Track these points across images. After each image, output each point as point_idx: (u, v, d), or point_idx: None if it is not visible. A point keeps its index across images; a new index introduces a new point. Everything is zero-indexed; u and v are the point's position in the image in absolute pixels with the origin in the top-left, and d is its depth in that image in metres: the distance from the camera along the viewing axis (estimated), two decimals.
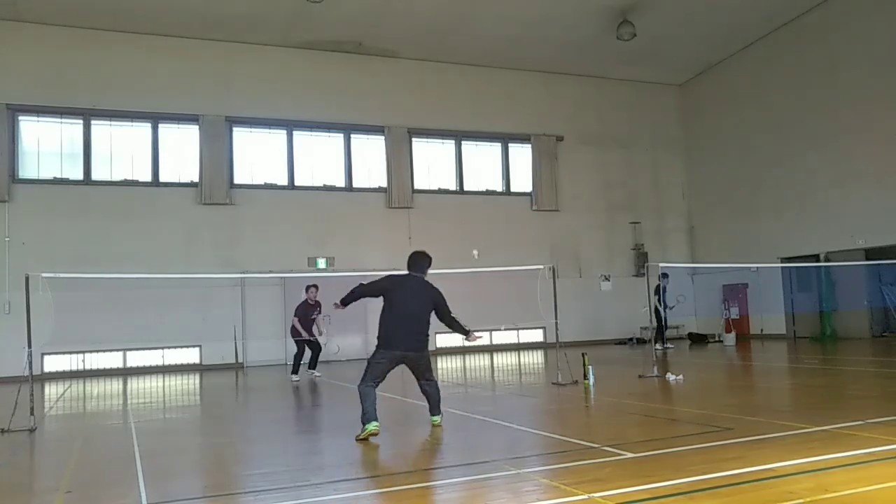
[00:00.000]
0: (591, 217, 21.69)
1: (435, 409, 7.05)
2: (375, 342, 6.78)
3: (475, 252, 16.36)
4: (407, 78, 19.91)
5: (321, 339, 13.68)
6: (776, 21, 19.26)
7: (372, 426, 6.36)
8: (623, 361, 14.66)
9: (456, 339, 19.69)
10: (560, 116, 21.55)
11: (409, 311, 6.69)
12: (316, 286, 13.61)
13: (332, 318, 18.12)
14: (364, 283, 6.97)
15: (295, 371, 13.41)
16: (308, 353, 13.70)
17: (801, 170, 18.92)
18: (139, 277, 15.40)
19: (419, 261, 7.05)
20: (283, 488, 4.84)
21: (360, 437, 6.38)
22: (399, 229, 19.35)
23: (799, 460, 4.82)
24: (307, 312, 13.43)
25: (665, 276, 17.21)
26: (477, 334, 7.13)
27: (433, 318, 6.89)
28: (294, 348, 13.91)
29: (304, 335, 13.31)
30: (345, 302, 6.88)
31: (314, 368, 13.74)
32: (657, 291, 16.58)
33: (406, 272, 7.07)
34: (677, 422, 7.02)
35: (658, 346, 16.23)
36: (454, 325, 6.98)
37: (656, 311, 16.39)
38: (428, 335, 6.83)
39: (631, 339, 20.64)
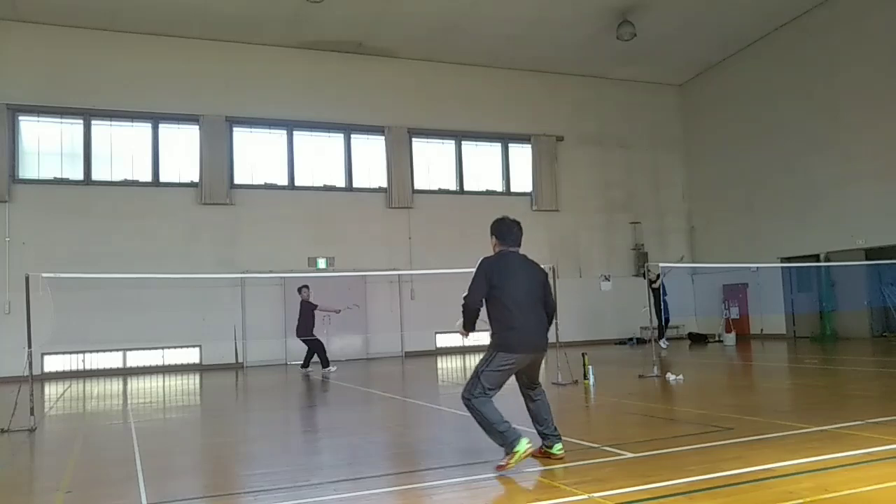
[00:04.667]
0: (591, 217, 21.69)
1: (555, 430, 5.31)
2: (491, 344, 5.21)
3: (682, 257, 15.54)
4: (407, 78, 19.91)
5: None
6: (776, 21, 19.27)
7: (522, 445, 4.89)
8: (623, 361, 14.66)
9: (456, 339, 19.89)
10: (560, 116, 21.54)
11: (525, 295, 5.19)
12: (307, 286, 14.81)
13: (331, 318, 18.24)
14: (465, 294, 5.18)
15: (325, 364, 14.45)
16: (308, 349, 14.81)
17: (802, 170, 18.92)
18: (139, 277, 15.40)
19: (518, 233, 5.40)
20: (283, 488, 4.84)
21: (510, 463, 4.89)
22: (399, 229, 19.36)
23: (799, 460, 4.82)
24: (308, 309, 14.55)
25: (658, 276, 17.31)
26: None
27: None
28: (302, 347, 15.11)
29: (334, 309, 14.94)
30: (469, 327, 5.29)
31: (308, 367, 14.59)
32: (655, 290, 16.60)
33: (506, 249, 5.36)
34: (677, 422, 7.02)
35: (663, 345, 16.74)
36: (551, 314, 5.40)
37: (657, 308, 16.49)
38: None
39: (631, 339, 20.63)
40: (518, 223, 5.42)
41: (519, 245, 5.37)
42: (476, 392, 5.06)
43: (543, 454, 5.23)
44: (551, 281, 11.15)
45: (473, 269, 5.18)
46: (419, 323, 18.87)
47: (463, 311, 5.20)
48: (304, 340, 14.64)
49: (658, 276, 16.80)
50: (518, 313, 5.11)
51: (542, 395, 5.41)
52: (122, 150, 17.64)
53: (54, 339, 10.91)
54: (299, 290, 14.71)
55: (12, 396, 8.31)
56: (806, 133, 18.84)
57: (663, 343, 17.16)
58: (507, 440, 4.92)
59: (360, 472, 5.28)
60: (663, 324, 17.31)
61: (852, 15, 17.67)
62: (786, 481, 4.33)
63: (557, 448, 5.20)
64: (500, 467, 4.89)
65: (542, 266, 5.60)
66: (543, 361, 5.48)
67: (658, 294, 16.70)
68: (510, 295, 5.12)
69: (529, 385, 5.39)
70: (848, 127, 17.69)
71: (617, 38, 18.68)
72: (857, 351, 14.72)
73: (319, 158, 19.35)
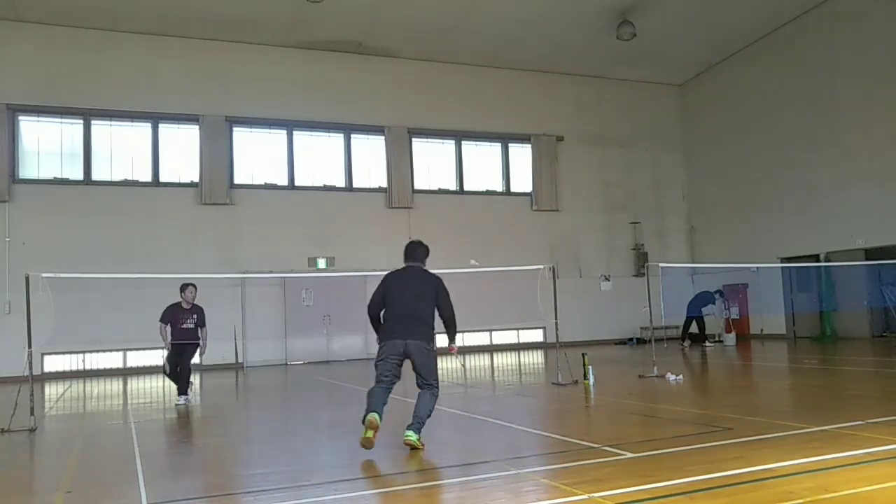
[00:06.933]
0: (591, 217, 21.69)
1: (414, 422, 5.97)
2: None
3: (473, 261, 12.50)
4: (407, 78, 19.91)
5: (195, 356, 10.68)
6: (776, 21, 19.27)
7: (369, 416, 5.74)
8: (623, 361, 14.66)
9: (456, 339, 19.86)
10: (560, 116, 21.54)
11: (400, 301, 6.22)
12: (194, 286, 10.73)
13: (331, 318, 18.25)
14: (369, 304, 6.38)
15: (183, 391, 10.44)
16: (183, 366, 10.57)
17: (801, 170, 18.92)
18: (139, 277, 15.39)
19: (416, 251, 6.55)
20: (283, 488, 4.84)
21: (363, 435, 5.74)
22: (399, 229, 19.33)
23: (799, 460, 4.82)
24: (176, 318, 10.48)
25: (720, 293, 18.54)
26: (455, 349, 6.46)
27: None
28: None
29: (166, 342, 10.53)
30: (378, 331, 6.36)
31: (185, 393, 10.41)
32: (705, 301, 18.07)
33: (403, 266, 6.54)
34: (677, 422, 7.02)
35: (706, 344, 17.88)
36: (453, 322, 6.33)
37: (700, 317, 18.06)
38: (428, 326, 6.20)
39: (631, 339, 20.64)
40: (418, 243, 6.63)
41: (414, 261, 6.52)
42: (375, 379, 6.11)
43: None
44: (550, 280, 11.19)
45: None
46: None
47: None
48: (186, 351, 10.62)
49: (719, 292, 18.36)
50: (392, 314, 6.22)
51: (422, 392, 6.12)
52: (122, 150, 17.64)
53: (54, 339, 10.87)
54: (186, 287, 10.75)
55: (12, 396, 8.31)
56: (806, 133, 18.84)
57: (707, 343, 18.07)
58: (363, 415, 5.84)
59: (360, 472, 5.28)
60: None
61: (853, 15, 17.67)
62: (786, 481, 4.33)
63: (407, 434, 5.87)
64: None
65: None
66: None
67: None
68: (391, 300, 6.27)
69: (418, 381, 6.19)
70: (848, 127, 17.68)
71: (617, 38, 18.68)
72: (857, 351, 14.72)
73: (319, 158, 19.35)
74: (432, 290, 6.30)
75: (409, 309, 6.17)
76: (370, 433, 5.68)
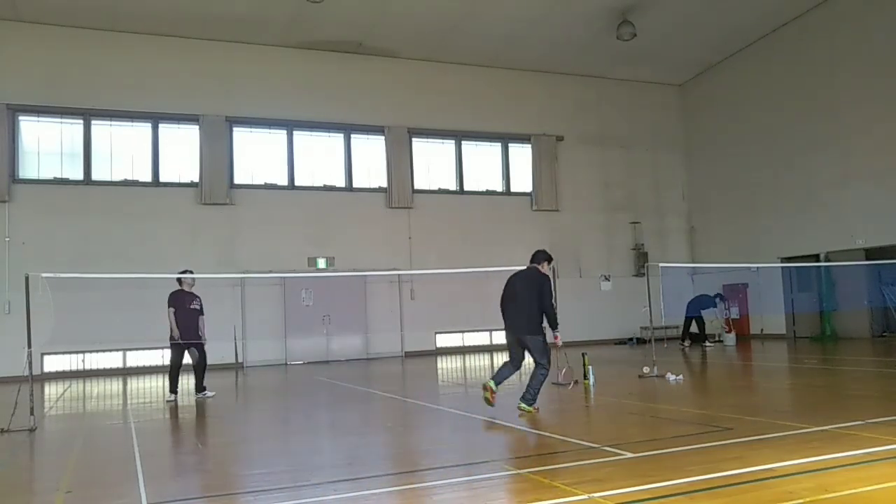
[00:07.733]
0: (591, 217, 21.69)
1: (525, 394, 7.56)
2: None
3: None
4: (407, 78, 19.92)
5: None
6: (776, 21, 19.27)
7: (486, 382, 7.53)
8: (623, 361, 14.65)
9: (456, 340, 19.90)
10: (560, 116, 21.55)
11: (509, 298, 7.75)
12: (191, 270, 11.18)
13: (331, 318, 18.24)
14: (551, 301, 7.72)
15: (173, 389, 10.54)
16: (190, 360, 10.80)
17: (802, 170, 18.92)
18: (139, 277, 15.39)
19: (533, 255, 7.99)
20: (283, 488, 4.83)
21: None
22: (399, 229, 19.35)
23: (799, 460, 4.82)
24: (183, 299, 10.77)
25: (720, 296, 18.61)
26: (559, 340, 7.74)
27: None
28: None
29: (176, 334, 10.55)
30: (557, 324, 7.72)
31: (204, 389, 10.78)
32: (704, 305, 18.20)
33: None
34: (677, 422, 7.02)
35: (707, 344, 17.91)
36: (549, 315, 7.59)
37: (700, 317, 18.19)
38: (532, 319, 7.53)
39: (631, 339, 20.64)
40: (541, 250, 8.04)
41: (531, 262, 7.96)
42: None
43: None
44: (551, 281, 11.25)
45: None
46: (419, 323, 18.87)
47: None
48: (196, 347, 10.81)
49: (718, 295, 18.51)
50: (505, 307, 7.82)
51: (534, 369, 7.59)
52: (122, 150, 17.65)
53: (54, 339, 10.91)
54: (184, 273, 11.01)
55: (12, 396, 8.31)
56: (806, 133, 18.84)
57: (707, 343, 18.07)
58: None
59: (360, 472, 5.28)
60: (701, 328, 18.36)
61: (853, 15, 17.67)
62: (786, 481, 4.33)
63: (519, 405, 7.55)
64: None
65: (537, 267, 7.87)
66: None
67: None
68: (504, 295, 7.87)
69: (533, 360, 7.63)
70: (848, 127, 17.68)
71: (617, 38, 18.68)
72: (857, 351, 14.72)
73: (319, 158, 19.35)
74: (535, 287, 7.60)
75: (514, 303, 7.66)
76: (486, 394, 7.46)
